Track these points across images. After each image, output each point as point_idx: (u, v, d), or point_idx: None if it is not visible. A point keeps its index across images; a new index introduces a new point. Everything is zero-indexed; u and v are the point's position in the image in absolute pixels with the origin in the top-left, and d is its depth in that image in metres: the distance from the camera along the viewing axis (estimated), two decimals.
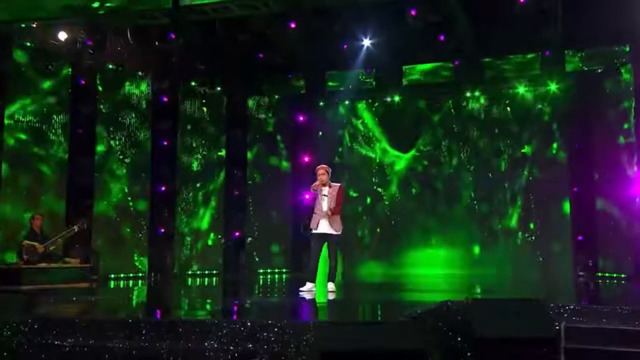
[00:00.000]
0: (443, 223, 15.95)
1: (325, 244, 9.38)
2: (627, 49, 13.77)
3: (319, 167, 9.53)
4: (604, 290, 11.60)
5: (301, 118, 16.81)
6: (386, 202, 16.55)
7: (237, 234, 15.98)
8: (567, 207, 14.97)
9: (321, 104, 16.99)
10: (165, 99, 15.04)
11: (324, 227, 9.34)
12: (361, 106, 16.74)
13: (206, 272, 15.77)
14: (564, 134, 15.16)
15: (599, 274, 14.15)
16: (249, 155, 16.42)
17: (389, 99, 16.50)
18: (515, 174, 15.65)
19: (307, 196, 16.29)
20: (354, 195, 16.63)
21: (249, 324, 6.21)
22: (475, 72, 14.93)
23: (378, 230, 16.50)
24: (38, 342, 6.44)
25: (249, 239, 16.21)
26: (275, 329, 6.03)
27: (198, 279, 14.92)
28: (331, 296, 9.16)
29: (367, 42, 14.26)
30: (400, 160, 16.60)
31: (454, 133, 16.15)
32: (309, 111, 16.75)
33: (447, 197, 16.05)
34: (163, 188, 14.92)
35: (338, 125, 17.05)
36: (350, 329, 5.62)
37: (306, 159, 16.65)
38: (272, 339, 5.96)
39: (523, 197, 15.54)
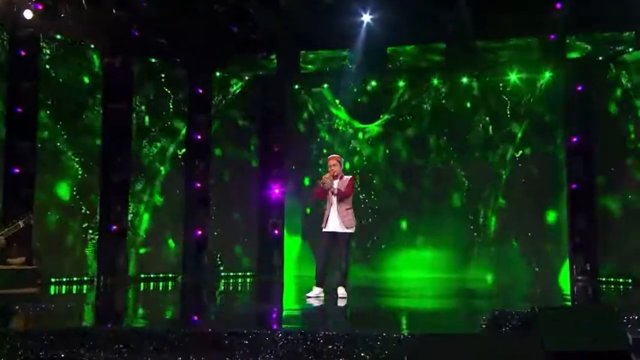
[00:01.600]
0: (429, 222, 14.58)
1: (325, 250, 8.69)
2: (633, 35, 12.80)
3: (330, 157, 8.84)
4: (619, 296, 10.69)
5: (272, 103, 15.06)
6: (373, 197, 14.98)
7: (199, 232, 14.15)
8: (564, 205, 13.80)
9: (296, 87, 15.31)
10: (120, 75, 13.14)
11: (333, 224, 8.56)
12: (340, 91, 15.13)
13: (161, 275, 13.87)
14: (562, 126, 13.97)
15: (603, 279, 13.09)
16: (213, 144, 14.58)
17: (373, 83, 14.93)
18: (509, 168, 14.42)
19: (276, 190, 14.76)
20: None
21: (309, 335, 5.34)
22: (469, 56, 13.51)
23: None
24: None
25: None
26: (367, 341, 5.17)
27: (152, 283, 13.12)
28: (342, 303, 8.41)
29: (367, 18, 12.73)
30: (380, 152, 15.07)
31: (443, 123, 14.78)
32: (282, 95, 15.02)
33: (434, 193, 14.68)
34: (116, 178, 13.02)
35: (315, 112, 15.44)
36: (438, 341, 4.95)
37: (276, 149, 14.95)
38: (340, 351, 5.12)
39: (516, 193, 14.30)
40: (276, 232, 14.80)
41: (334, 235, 8.53)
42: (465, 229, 14.34)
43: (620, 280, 12.89)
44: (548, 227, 13.98)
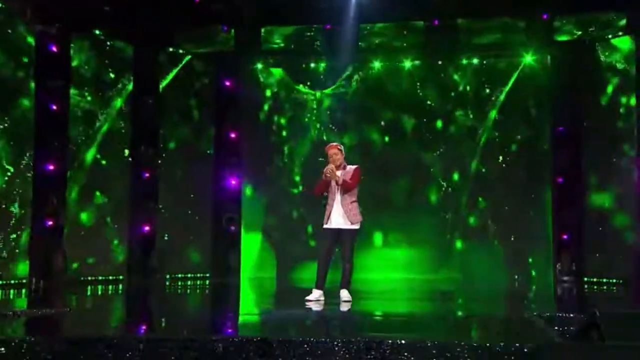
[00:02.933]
0: (403, 217, 13.40)
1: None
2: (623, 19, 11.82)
3: (329, 146, 8.20)
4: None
5: (228, 83, 13.50)
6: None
7: (146, 228, 12.49)
8: (549, 200, 12.86)
9: (257, 66, 13.80)
10: (55, 49, 11.38)
11: (337, 220, 7.99)
12: (304, 71, 13.71)
13: (101, 277, 12.18)
14: (547, 114, 13.01)
15: (593, 279, 12.25)
16: (162, 129, 12.91)
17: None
18: (489, 160, 13.41)
19: (233, 182, 13.27)
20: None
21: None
22: (449, 36, 12.29)
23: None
24: None
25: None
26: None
27: (94, 286, 11.53)
28: (346, 307, 7.80)
29: None
30: (351, 140, 13.69)
31: (419, 110, 13.62)
32: (240, 75, 13.48)
33: (409, 187, 13.52)
34: (51, 167, 11.28)
35: (278, 94, 14.01)
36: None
37: (233, 135, 13.43)
38: None
39: (497, 187, 13.31)
40: (232, 228, 13.30)
41: (337, 232, 7.95)
42: (441, 225, 13.26)
43: (611, 280, 12.11)
44: (531, 224, 13.10)
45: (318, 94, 13.93)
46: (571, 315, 6.62)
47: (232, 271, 13.13)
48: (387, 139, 13.76)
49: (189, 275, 13.17)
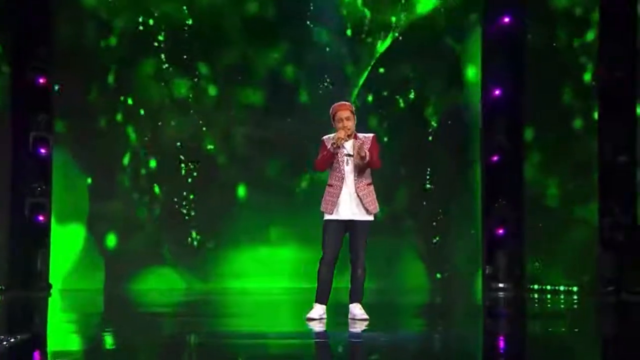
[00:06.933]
0: (287, 207, 10.59)
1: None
2: None
3: (339, 105, 6.77)
4: None
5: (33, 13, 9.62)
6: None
7: None
8: (478, 185, 10.70)
9: None
10: None
11: (349, 209, 6.70)
12: None
13: None
14: (478, 74, 10.69)
15: (536, 286, 10.47)
16: None
17: None
18: (398, 132, 10.93)
19: (42, 150, 9.73)
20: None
21: None
22: None
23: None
24: None
25: None
26: None
27: None
28: (362, 326, 6.30)
29: None
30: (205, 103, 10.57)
31: (309, 73, 10.75)
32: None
33: (294, 166, 10.71)
34: None
35: (107, 26, 10.30)
36: None
37: (41, 81, 9.65)
38: None
39: (412, 165, 11.00)
40: (41, 218, 9.70)
41: (348, 225, 6.75)
42: None
43: (559, 287, 10.26)
44: (456, 216, 10.95)
45: None
46: None
47: (37, 280, 9.72)
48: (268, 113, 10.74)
49: None
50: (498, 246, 10.37)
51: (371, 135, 6.78)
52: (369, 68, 10.74)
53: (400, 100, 10.84)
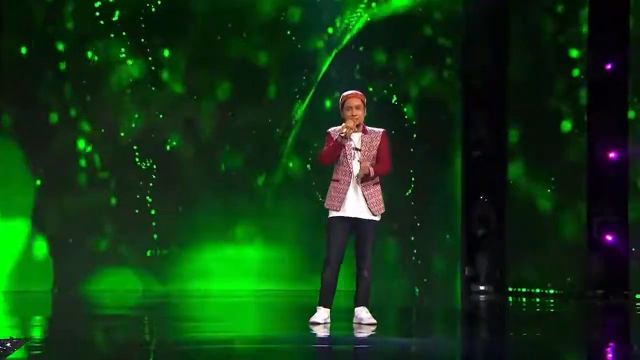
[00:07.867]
0: (252, 201, 9.90)
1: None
2: None
3: (349, 94, 6.33)
4: None
5: None
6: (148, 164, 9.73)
7: None
8: (458, 182, 10.28)
9: None
10: None
11: (355, 206, 6.37)
12: None
13: None
14: (457, 58, 10.23)
15: (520, 289, 10.05)
16: None
17: None
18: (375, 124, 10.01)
19: None
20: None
21: None
22: None
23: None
24: None
25: None
26: None
27: None
28: (368, 331, 6.12)
29: None
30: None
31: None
32: None
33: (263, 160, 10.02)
34: None
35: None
36: None
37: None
38: None
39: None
40: None
41: (354, 224, 6.45)
42: (312, 212, 9.54)
43: (546, 291, 9.78)
44: (434, 216, 10.42)
45: None
46: None
47: None
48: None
49: None
50: (479, 247, 10.03)
51: (381, 130, 6.41)
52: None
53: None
